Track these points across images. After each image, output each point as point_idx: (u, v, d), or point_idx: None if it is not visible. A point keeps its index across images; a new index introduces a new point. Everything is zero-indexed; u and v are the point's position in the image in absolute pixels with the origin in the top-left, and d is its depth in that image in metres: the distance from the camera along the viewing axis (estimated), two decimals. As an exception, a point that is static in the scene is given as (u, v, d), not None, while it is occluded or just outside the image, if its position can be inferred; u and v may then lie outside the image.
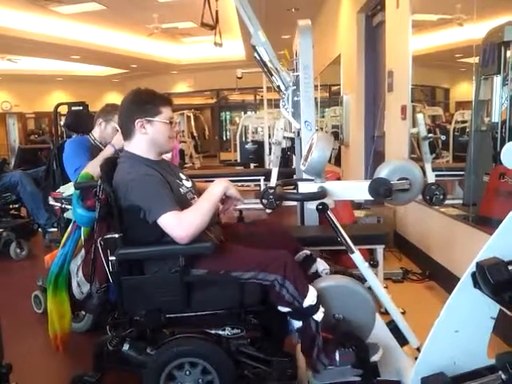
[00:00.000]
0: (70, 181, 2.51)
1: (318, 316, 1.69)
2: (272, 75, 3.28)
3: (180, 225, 1.66)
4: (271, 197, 2.49)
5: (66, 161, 2.67)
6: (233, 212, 1.94)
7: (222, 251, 1.77)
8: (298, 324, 1.71)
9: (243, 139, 9.72)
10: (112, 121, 2.66)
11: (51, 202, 2.76)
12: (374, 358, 1.74)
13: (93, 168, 2.14)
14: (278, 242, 1.98)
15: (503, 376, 1.34)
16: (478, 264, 1.35)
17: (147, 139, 1.86)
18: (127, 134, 1.88)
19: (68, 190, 2.53)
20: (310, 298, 1.68)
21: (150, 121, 1.84)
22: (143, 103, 1.86)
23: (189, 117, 12.65)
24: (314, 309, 1.68)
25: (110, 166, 1.86)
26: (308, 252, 2.06)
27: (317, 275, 1.98)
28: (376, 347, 1.76)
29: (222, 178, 1.87)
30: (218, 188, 1.79)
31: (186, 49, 12.36)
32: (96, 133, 2.77)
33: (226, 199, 1.90)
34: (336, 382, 1.78)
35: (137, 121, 1.83)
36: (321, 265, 2.03)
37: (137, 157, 1.86)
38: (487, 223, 2.60)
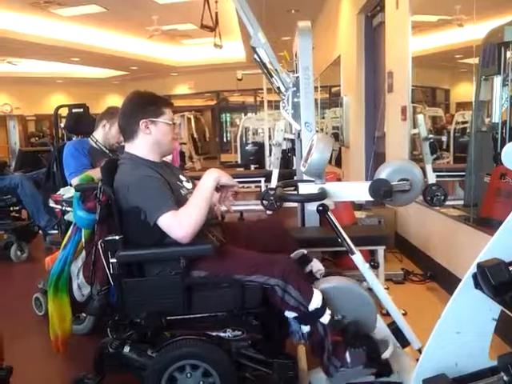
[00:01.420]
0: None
1: (325, 318, 1.68)
2: (272, 76, 3.27)
3: (178, 225, 1.66)
4: (272, 198, 2.48)
5: (63, 163, 2.69)
6: (231, 200, 1.91)
7: (222, 253, 1.77)
8: (306, 329, 1.70)
9: (244, 141, 9.73)
10: (116, 123, 2.68)
11: (52, 204, 2.76)
12: (385, 354, 1.73)
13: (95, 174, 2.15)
14: (276, 240, 1.99)
15: (505, 377, 1.34)
16: (478, 265, 1.35)
17: (150, 140, 1.86)
18: (130, 135, 1.88)
19: (68, 192, 2.53)
20: (316, 301, 1.67)
21: (154, 121, 1.85)
22: (147, 104, 1.87)
23: (189, 118, 12.66)
24: (320, 312, 1.68)
25: (110, 167, 1.86)
26: (304, 251, 2.05)
27: (311, 275, 1.98)
28: (386, 343, 1.75)
29: (212, 169, 1.81)
30: (208, 181, 1.75)
31: (186, 51, 12.38)
32: (98, 134, 2.78)
33: (221, 188, 1.86)
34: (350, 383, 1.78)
35: (141, 121, 1.83)
36: (316, 265, 2.03)
37: (138, 158, 1.86)
38: (488, 224, 2.60)
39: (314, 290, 1.71)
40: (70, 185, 2.63)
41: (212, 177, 1.76)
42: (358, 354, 1.70)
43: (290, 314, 1.71)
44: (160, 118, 1.86)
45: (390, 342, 1.77)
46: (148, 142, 1.86)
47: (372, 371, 1.74)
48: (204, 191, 1.73)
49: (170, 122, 1.88)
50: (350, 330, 1.78)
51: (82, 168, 2.59)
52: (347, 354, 1.70)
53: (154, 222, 1.68)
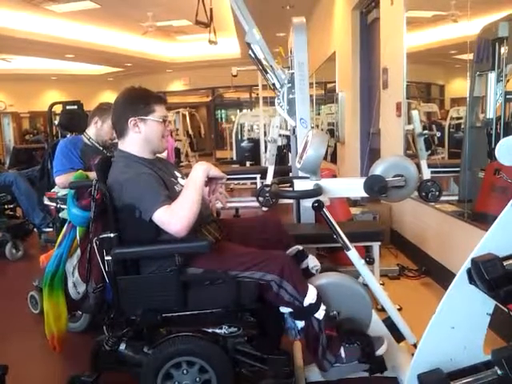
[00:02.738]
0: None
1: (320, 314, 1.69)
2: (267, 73, 3.27)
3: (173, 219, 1.65)
4: (267, 195, 2.49)
5: (53, 160, 2.68)
6: (221, 191, 1.90)
7: (218, 250, 1.77)
8: (300, 324, 1.71)
9: (239, 137, 9.71)
10: (108, 119, 2.66)
11: (46, 201, 2.76)
12: (380, 351, 1.74)
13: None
14: (272, 237, 1.99)
15: (499, 371, 1.35)
16: (473, 260, 1.35)
17: (140, 138, 1.85)
18: (121, 132, 1.87)
19: (63, 189, 2.53)
20: (310, 297, 1.68)
21: (144, 119, 1.83)
22: (136, 102, 1.85)
23: (184, 115, 12.61)
24: (315, 307, 1.68)
25: (104, 165, 1.86)
26: (300, 247, 2.06)
27: (307, 271, 1.99)
28: (380, 340, 1.76)
29: (200, 162, 1.82)
30: (198, 174, 1.75)
31: (181, 47, 12.32)
32: (91, 131, 2.76)
33: (209, 181, 1.85)
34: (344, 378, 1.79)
35: (130, 119, 1.82)
36: (312, 261, 2.03)
37: (131, 156, 1.85)
38: (482, 219, 2.61)
39: (309, 285, 1.71)
40: (53, 183, 2.62)
41: (201, 169, 1.76)
42: (353, 350, 1.72)
43: (284, 309, 1.71)
44: (150, 116, 1.84)
45: (385, 338, 1.78)
46: (138, 140, 1.85)
47: (366, 367, 1.75)
48: (195, 184, 1.73)
49: (161, 120, 1.86)
50: (345, 325, 1.78)
51: (69, 167, 2.57)
52: (342, 350, 1.71)
53: (150, 219, 1.67)
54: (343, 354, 1.71)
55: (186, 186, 1.75)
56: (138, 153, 1.86)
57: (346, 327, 1.79)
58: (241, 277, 1.70)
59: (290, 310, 1.70)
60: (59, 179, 2.58)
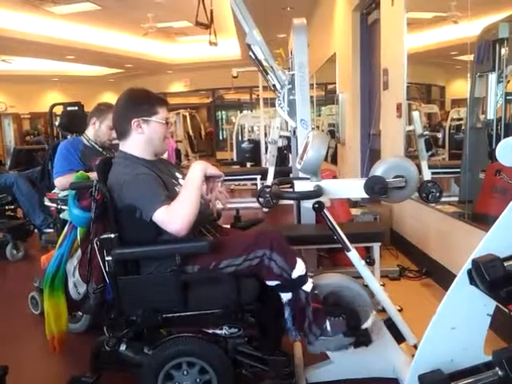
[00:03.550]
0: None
1: (308, 286, 1.70)
2: (267, 74, 3.28)
3: (173, 218, 1.65)
4: (268, 196, 2.49)
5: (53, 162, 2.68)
6: (221, 190, 1.90)
7: (214, 246, 1.77)
8: (287, 296, 1.72)
9: (239, 138, 9.72)
10: (106, 119, 2.65)
11: (47, 202, 2.76)
12: (365, 324, 1.75)
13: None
14: None
15: (500, 372, 1.35)
16: (473, 261, 1.36)
17: (143, 139, 1.85)
18: (123, 133, 1.88)
19: (62, 191, 2.53)
20: (300, 269, 1.69)
21: (147, 120, 1.84)
22: (139, 103, 1.86)
23: (185, 116, 12.63)
24: (303, 279, 1.70)
25: (105, 166, 1.86)
26: None
27: None
28: (367, 314, 1.77)
29: (197, 161, 1.85)
30: (195, 173, 1.75)
31: (182, 48, 12.34)
32: (90, 132, 2.76)
33: (207, 180, 1.85)
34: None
35: (133, 120, 1.82)
36: None
37: (131, 157, 1.85)
38: (483, 220, 2.61)
39: (298, 259, 1.72)
40: (54, 184, 2.62)
41: (199, 168, 1.77)
42: (338, 323, 1.72)
43: (272, 282, 1.71)
44: (153, 117, 1.84)
45: (372, 311, 1.78)
46: (141, 141, 1.85)
47: (351, 340, 1.75)
48: (193, 183, 1.73)
49: (164, 122, 1.87)
50: (331, 299, 1.78)
51: (68, 169, 2.57)
52: (327, 323, 1.71)
53: (150, 219, 1.67)
54: (329, 327, 1.71)
55: (185, 185, 1.76)
56: (139, 154, 1.86)
57: (332, 301, 1.79)
58: (236, 264, 1.70)
59: (277, 282, 1.70)
60: (58, 181, 2.58)
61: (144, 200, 1.68)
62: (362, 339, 1.77)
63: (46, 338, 2.14)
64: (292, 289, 1.70)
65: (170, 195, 1.73)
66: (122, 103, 1.90)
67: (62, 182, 2.55)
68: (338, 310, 1.75)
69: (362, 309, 1.80)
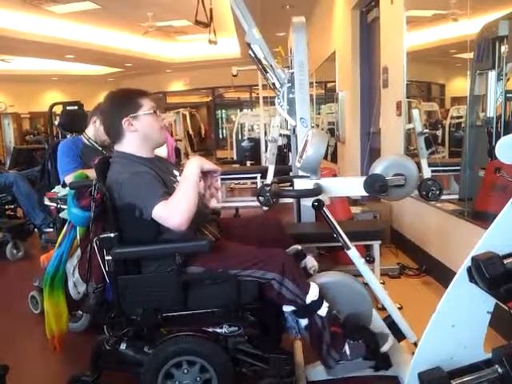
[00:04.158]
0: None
1: (323, 311, 1.69)
2: (267, 72, 3.27)
3: (172, 214, 1.64)
4: (267, 194, 2.48)
5: (57, 162, 2.68)
6: (217, 186, 1.89)
7: (218, 249, 1.77)
8: (304, 322, 1.71)
9: (239, 137, 9.71)
10: None
11: (46, 202, 2.75)
12: (384, 347, 1.74)
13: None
14: (270, 235, 1.99)
15: (499, 370, 1.35)
16: (473, 258, 1.35)
17: (139, 136, 1.85)
18: (117, 136, 1.87)
19: (63, 189, 2.53)
20: (313, 294, 1.68)
21: (135, 116, 1.83)
22: (123, 102, 1.86)
23: (184, 115, 12.62)
24: (317, 304, 1.69)
25: (104, 165, 1.86)
26: (299, 247, 2.06)
27: (305, 271, 1.98)
28: (385, 337, 1.76)
29: (193, 157, 1.84)
30: (192, 169, 1.74)
31: (181, 47, 12.32)
32: (90, 131, 2.76)
33: (205, 175, 1.84)
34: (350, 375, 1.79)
35: (123, 120, 1.82)
36: (310, 262, 2.04)
37: (129, 155, 1.85)
38: (483, 218, 2.61)
39: (311, 283, 1.71)
40: (63, 184, 2.62)
41: (195, 164, 1.76)
42: (358, 347, 1.72)
43: (287, 308, 1.71)
44: (140, 111, 1.83)
45: (389, 335, 1.78)
46: (137, 138, 1.85)
47: (371, 364, 1.75)
48: (190, 178, 1.72)
49: (151, 111, 1.86)
50: (349, 322, 1.78)
51: (74, 166, 2.57)
52: (346, 347, 1.71)
53: (150, 217, 1.67)
54: (348, 351, 1.71)
55: (182, 181, 1.75)
56: (137, 152, 1.86)
57: (351, 324, 1.78)
58: (241, 275, 1.70)
59: (292, 308, 1.70)
60: (69, 179, 2.58)
61: (142, 197, 1.68)
62: (382, 363, 1.77)
63: (46, 337, 2.15)
64: (307, 314, 1.70)
65: (169, 192, 1.73)
66: (107, 108, 1.91)
67: (72, 179, 2.55)
68: (358, 334, 1.74)
69: (379, 332, 1.79)
